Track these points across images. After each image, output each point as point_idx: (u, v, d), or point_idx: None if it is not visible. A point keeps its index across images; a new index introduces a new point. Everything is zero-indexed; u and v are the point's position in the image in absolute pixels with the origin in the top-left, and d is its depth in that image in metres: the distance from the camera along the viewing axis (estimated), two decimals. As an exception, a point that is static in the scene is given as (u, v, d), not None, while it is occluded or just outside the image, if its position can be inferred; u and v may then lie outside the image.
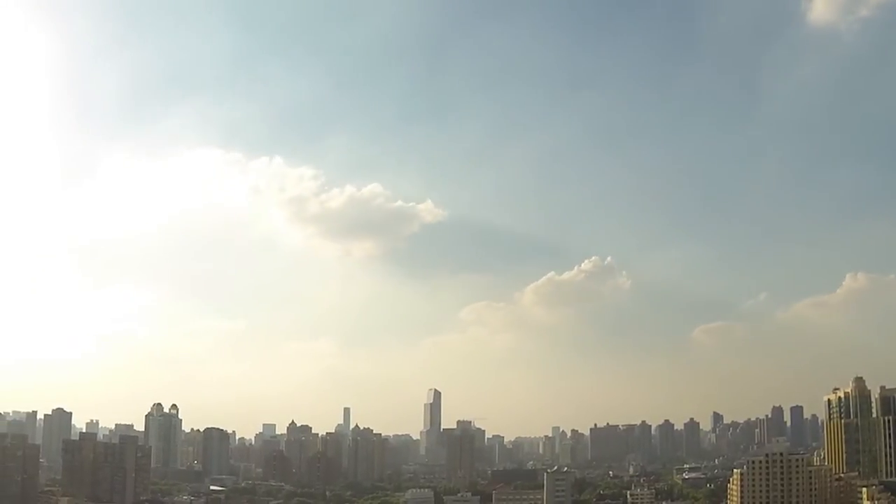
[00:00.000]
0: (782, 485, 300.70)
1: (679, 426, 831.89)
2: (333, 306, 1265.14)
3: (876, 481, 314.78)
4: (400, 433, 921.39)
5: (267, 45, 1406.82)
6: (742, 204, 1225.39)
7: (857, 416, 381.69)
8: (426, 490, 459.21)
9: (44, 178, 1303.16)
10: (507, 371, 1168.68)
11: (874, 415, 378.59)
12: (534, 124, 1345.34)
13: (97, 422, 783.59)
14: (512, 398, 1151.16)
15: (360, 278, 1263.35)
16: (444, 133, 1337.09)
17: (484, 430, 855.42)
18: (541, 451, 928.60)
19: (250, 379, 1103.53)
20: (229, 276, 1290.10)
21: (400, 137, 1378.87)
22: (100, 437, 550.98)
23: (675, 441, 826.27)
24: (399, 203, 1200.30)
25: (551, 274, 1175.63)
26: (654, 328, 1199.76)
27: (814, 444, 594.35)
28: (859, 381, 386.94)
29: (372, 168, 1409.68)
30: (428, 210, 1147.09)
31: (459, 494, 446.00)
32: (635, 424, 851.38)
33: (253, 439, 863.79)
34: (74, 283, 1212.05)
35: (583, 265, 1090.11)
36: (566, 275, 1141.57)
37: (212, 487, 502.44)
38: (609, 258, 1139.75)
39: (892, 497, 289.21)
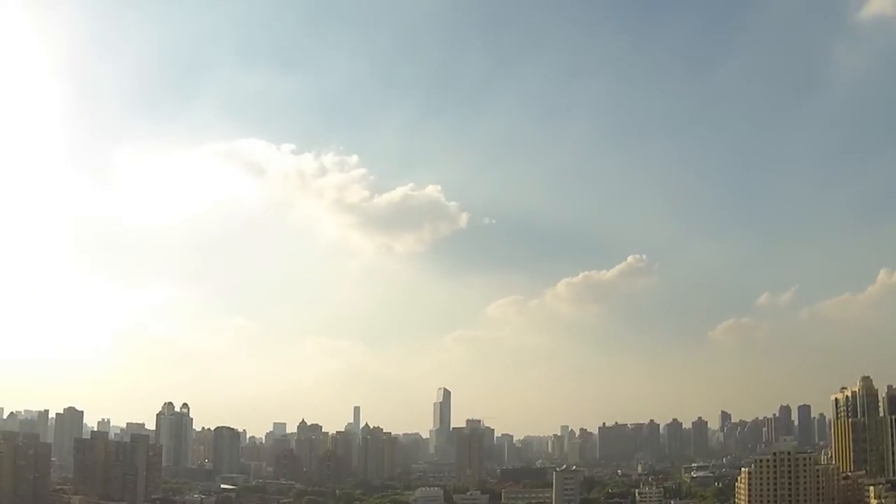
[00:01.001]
0: (790, 483, 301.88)
1: (687, 425, 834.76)
2: (357, 304, 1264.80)
3: (883, 480, 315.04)
4: (409, 432, 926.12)
5: (304, 26, 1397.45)
6: (776, 199, 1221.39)
7: (864, 415, 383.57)
8: (436, 488, 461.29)
9: (59, 171, 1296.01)
10: (520, 369, 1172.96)
11: (881, 414, 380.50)
12: (568, 118, 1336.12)
13: (108, 420, 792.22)
14: (523, 396, 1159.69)
15: (391, 276, 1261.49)
16: (486, 126, 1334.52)
17: (493, 429, 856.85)
18: (550, 449, 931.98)
19: (262, 378, 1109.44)
20: (249, 272, 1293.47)
21: (438, 130, 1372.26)
22: (111, 435, 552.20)
23: (684, 440, 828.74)
24: (439, 198, 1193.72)
25: (592, 271, 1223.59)
26: (677, 326, 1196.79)
27: (821, 443, 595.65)
28: (866, 380, 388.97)
29: (410, 162, 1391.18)
30: (468, 207, 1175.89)
31: (469, 493, 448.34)
32: (643, 423, 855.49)
33: (263, 438, 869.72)
34: (87, 280, 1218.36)
35: (627, 260, 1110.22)
36: (601, 272, 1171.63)
37: (222, 486, 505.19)
38: (645, 256, 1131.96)
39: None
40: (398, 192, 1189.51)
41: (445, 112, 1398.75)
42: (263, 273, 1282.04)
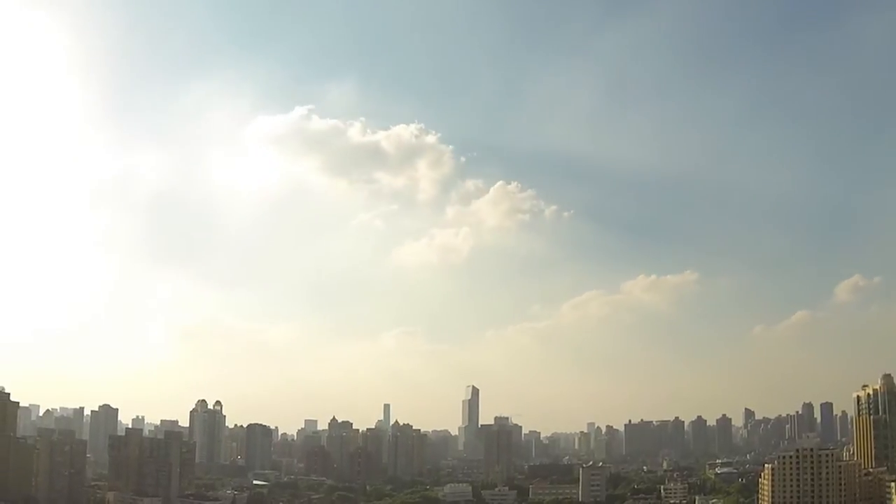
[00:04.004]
0: (812, 479, 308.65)
1: (711, 422, 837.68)
2: (422, 300, 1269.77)
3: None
4: (438, 429, 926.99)
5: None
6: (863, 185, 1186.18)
7: (885, 413, 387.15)
8: (464, 484, 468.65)
9: (96, 152, 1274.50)
10: (553, 364, 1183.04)
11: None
12: (650, 115, 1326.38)
13: (143, 417, 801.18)
14: (551, 392, 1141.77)
15: (468, 269, 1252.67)
16: (560, 122, 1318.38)
17: (521, 426, 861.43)
18: (576, 446, 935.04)
19: (299, 375, 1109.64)
20: (302, 267, 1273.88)
21: (520, 111, 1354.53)
22: (145, 432, 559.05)
23: (708, 437, 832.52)
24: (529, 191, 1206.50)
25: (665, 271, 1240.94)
26: (727, 323, 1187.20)
27: (843, 440, 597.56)
28: (887, 378, 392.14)
29: (491, 144, 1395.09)
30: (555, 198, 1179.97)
31: (497, 489, 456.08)
32: (669, 420, 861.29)
33: (295, 435, 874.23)
34: (121, 277, 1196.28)
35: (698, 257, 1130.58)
36: (676, 268, 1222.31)
37: (255, 482, 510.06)
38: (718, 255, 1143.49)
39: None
40: (483, 179, 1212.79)
41: (531, 89, 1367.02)
42: (318, 268, 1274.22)
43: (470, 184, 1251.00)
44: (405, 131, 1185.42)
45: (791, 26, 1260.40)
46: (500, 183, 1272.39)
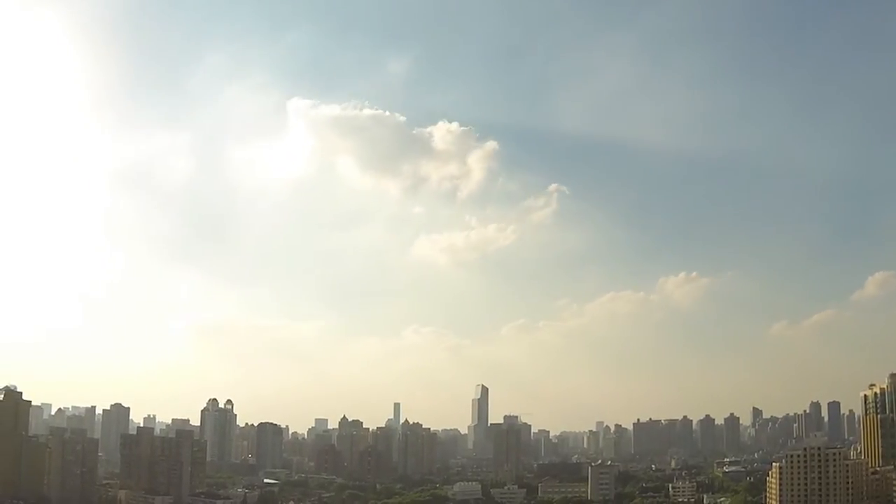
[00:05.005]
0: (819, 478, 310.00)
1: (719, 421, 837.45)
2: (439, 299, 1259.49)
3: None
4: (448, 427, 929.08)
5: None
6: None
7: (893, 412, 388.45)
8: (474, 483, 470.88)
9: (113, 147, 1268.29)
10: (564, 362, 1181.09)
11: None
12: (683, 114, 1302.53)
13: (154, 416, 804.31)
14: (560, 390, 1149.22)
15: (491, 269, 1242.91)
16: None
17: (530, 425, 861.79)
18: (585, 445, 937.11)
19: (309, 375, 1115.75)
20: (319, 264, 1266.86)
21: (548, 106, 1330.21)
22: (157, 431, 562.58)
23: (716, 436, 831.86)
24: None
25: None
26: (765, 318, 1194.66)
27: (851, 439, 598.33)
28: (894, 377, 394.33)
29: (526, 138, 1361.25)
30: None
31: (506, 487, 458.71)
32: (677, 419, 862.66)
33: (305, 433, 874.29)
34: (134, 273, 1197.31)
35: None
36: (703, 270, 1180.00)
37: (265, 480, 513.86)
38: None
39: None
40: (524, 176, 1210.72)
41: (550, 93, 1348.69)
42: (342, 264, 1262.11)
43: (508, 180, 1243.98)
44: (444, 126, 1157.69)
45: (833, 15, 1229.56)
46: (539, 179, 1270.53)
